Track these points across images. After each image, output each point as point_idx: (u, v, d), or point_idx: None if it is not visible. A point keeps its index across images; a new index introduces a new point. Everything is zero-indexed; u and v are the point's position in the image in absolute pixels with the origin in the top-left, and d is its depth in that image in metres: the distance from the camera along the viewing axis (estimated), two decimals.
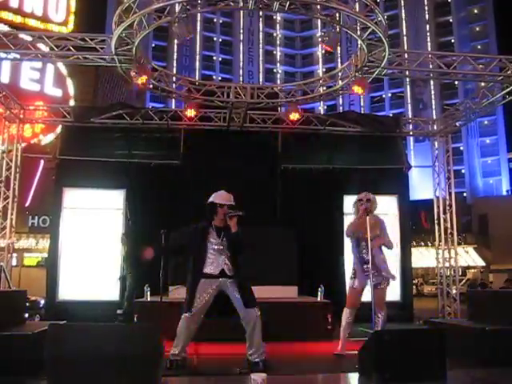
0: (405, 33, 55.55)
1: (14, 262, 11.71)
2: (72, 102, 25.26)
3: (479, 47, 52.60)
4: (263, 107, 10.49)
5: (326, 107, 56.02)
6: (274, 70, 62.62)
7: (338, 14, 7.51)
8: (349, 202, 6.78)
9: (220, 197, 5.67)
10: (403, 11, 56.54)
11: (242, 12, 55.86)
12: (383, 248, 6.37)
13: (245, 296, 5.47)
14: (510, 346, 5.39)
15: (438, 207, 11.40)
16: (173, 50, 56.55)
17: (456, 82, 47.04)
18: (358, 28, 7.72)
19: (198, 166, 10.63)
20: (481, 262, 37.81)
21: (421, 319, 10.24)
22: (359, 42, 7.93)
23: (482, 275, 36.74)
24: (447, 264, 11.19)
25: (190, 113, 9.93)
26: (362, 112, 48.78)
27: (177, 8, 7.23)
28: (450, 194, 11.36)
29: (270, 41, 62.86)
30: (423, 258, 32.99)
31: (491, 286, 28.95)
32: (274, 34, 63.59)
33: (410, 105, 54.16)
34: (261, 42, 61.91)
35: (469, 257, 37.71)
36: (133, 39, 7.71)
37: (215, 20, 60.62)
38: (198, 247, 5.62)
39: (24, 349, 4.92)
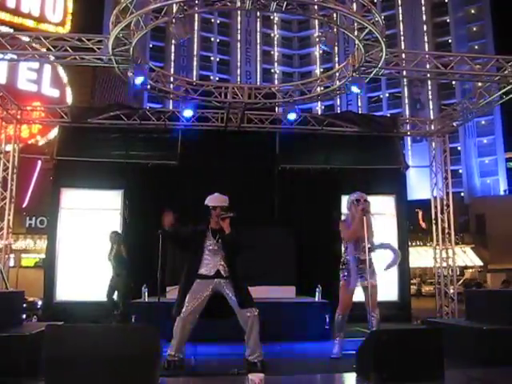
0: (402, 33, 55.56)
1: (11, 263, 11.71)
2: (69, 103, 25.22)
3: (476, 47, 52.69)
4: (261, 107, 10.49)
5: (323, 107, 56.05)
6: (272, 71, 62.62)
7: (335, 15, 7.51)
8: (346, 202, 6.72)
9: (213, 199, 5.74)
10: (400, 11, 56.59)
11: (239, 12, 55.91)
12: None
13: (241, 296, 5.48)
14: (507, 346, 5.40)
15: (436, 207, 11.41)
16: (170, 51, 56.51)
17: (453, 82, 47.14)
18: (355, 28, 7.73)
19: (195, 166, 10.62)
20: (478, 262, 37.87)
21: (419, 319, 10.27)
22: (356, 42, 7.93)
23: (480, 275, 36.80)
24: (445, 264, 11.20)
25: (188, 113, 9.92)
26: (360, 112, 48.80)
27: (174, 8, 7.23)
28: (447, 193, 11.37)
29: (267, 41, 62.85)
30: (421, 257, 32.98)
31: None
32: (272, 35, 63.58)
33: (407, 105, 54.21)
34: (258, 42, 61.90)
35: (466, 257, 37.77)
36: (130, 39, 7.70)
37: (213, 20, 60.58)
38: (195, 248, 5.65)
39: (21, 350, 4.91)
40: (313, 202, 10.72)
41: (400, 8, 56.66)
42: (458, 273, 24.99)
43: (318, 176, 11.00)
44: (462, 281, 27.86)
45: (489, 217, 39.88)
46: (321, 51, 57.48)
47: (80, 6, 29.38)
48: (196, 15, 52.07)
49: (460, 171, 49.88)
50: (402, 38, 55.17)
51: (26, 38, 8.58)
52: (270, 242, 8.86)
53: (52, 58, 9.12)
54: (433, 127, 11.63)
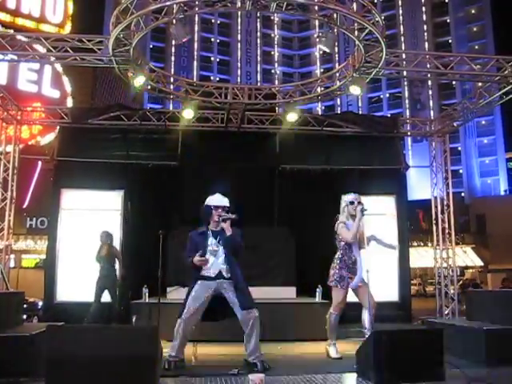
0: (402, 33, 55.63)
1: (11, 264, 11.70)
2: (70, 103, 25.24)
3: (477, 47, 52.73)
4: (261, 108, 10.49)
5: (323, 108, 56.08)
6: (272, 71, 62.68)
7: (335, 15, 7.51)
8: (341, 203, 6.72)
9: (214, 200, 5.74)
10: (401, 11, 56.65)
11: (239, 13, 55.96)
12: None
13: (242, 297, 5.49)
14: (508, 346, 5.41)
15: (436, 207, 11.40)
16: (170, 51, 56.57)
17: (453, 83, 47.17)
18: (356, 28, 7.73)
19: (195, 166, 10.62)
20: (479, 262, 37.88)
21: (419, 319, 10.26)
22: (356, 42, 7.93)
23: (480, 275, 36.78)
24: (445, 264, 11.19)
25: (188, 114, 9.91)
26: (360, 112, 48.84)
27: (174, 9, 7.23)
28: (447, 194, 11.36)
29: (267, 41, 62.91)
30: (421, 258, 33.02)
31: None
32: (272, 35, 63.64)
33: (407, 105, 54.26)
34: (258, 42, 61.97)
35: (467, 257, 37.78)
36: (130, 40, 7.70)
37: (213, 21, 60.66)
38: (196, 251, 5.64)
39: (22, 350, 4.91)
40: (313, 203, 10.71)
41: (400, 8, 56.72)
42: (459, 273, 24.97)
43: (319, 176, 10.99)
44: (461, 281, 27.80)
45: (489, 217, 39.89)
46: (321, 52, 57.48)
47: (80, 6, 29.41)
48: (196, 16, 52.15)
49: (460, 171, 49.93)
50: (403, 38, 55.24)
51: (26, 39, 8.57)
52: (271, 242, 8.88)
53: (52, 58, 9.12)
54: (433, 127, 11.62)
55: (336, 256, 6.45)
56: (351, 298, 6.43)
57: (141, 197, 10.55)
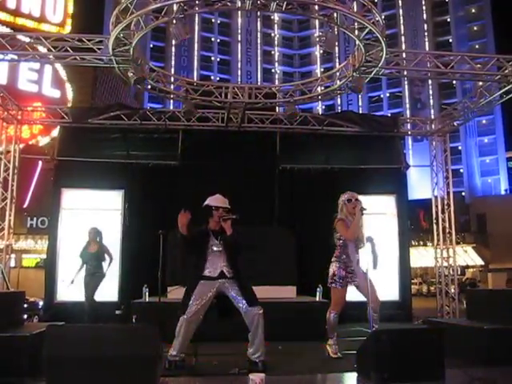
0: (402, 32, 55.63)
1: (12, 263, 11.70)
2: (70, 103, 25.24)
3: (477, 47, 52.74)
4: (261, 107, 10.49)
5: (324, 107, 56.09)
6: (272, 70, 62.69)
7: (335, 14, 7.50)
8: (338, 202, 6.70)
9: (215, 200, 5.72)
10: (401, 11, 56.65)
11: (239, 12, 55.92)
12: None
13: (247, 295, 5.49)
14: (508, 345, 5.40)
15: (437, 207, 11.41)
16: (171, 51, 56.59)
17: (454, 82, 47.14)
18: (356, 28, 7.72)
19: (196, 166, 10.62)
20: (479, 262, 37.90)
21: (419, 319, 10.26)
22: (357, 42, 7.93)
23: (481, 274, 36.81)
24: (446, 263, 11.20)
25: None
26: (360, 112, 48.83)
27: (174, 8, 7.22)
28: (448, 193, 11.37)
29: (267, 41, 62.92)
30: (422, 257, 33.04)
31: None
32: (272, 34, 63.64)
33: (408, 104, 54.28)
34: (259, 42, 61.98)
35: (467, 256, 37.79)
36: (130, 40, 7.70)
37: (213, 20, 60.66)
38: (199, 250, 5.64)
39: (22, 350, 4.91)
40: (313, 202, 10.70)
41: (400, 8, 56.71)
42: (459, 272, 24.99)
43: (319, 176, 10.99)
44: (462, 281, 27.84)
45: (490, 216, 39.91)
46: (321, 51, 57.49)
47: (80, 6, 29.42)
48: (196, 15, 52.17)
49: (461, 171, 49.93)
50: (403, 37, 55.23)
51: (26, 39, 8.59)
52: (271, 241, 8.86)
53: (52, 58, 9.11)
54: (433, 127, 11.62)
55: (334, 255, 6.42)
56: (351, 297, 6.42)
57: (141, 196, 10.55)
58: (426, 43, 54.14)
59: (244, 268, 5.74)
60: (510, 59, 8.63)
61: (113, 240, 10.41)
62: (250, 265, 5.77)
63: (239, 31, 61.34)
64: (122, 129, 10.76)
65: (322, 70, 55.91)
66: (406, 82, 53.77)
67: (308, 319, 7.89)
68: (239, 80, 57.26)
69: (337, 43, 50.41)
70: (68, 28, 28.01)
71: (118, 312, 9.57)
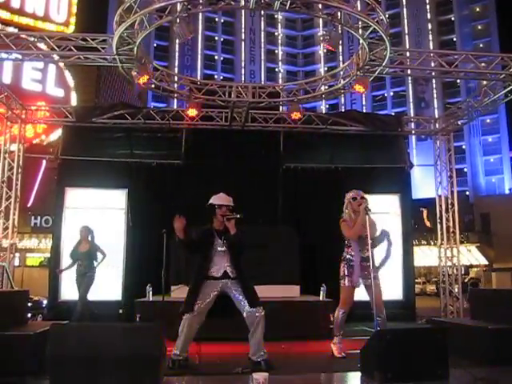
0: (406, 31, 55.50)
1: (16, 262, 11.75)
2: (74, 102, 25.27)
3: (481, 45, 52.57)
4: (265, 106, 10.49)
5: (327, 106, 56.02)
6: (276, 69, 62.63)
7: (339, 13, 7.49)
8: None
9: (218, 199, 5.71)
10: (405, 10, 56.50)
11: (243, 11, 55.87)
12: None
13: (249, 296, 5.49)
14: None
15: (441, 206, 11.39)
16: (174, 50, 56.60)
17: (458, 81, 47.00)
18: (360, 27, 7.71)
19: (199, 165, 10.62)
20: (483, 261, 37.79)
21: (423, 318, 10.24)
22: (361, 40, 7.92)
23: (485, 274, 36.71)
24: (449, 263, 11.18)
25: (192, 112, 9.91)
26: (364, 111, 48.74)
27: (178, 7, 7.23)
28: (452, 192, 11.34)
29: (271, 40, 62.86)
30: (426, 257, 32.97)
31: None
32: (276, 33, 63.58)
33: (411, 103, 54.17)
34: (262, 41, 61.91)
35: (471, 255, 37.69)
36: (134, 39, 7.71)
37: (217, 19, 60.63)
38: (205, 250, 5.63)
39: (26, 349, 4.92)
40: (317, 201, 10.71)
41: (404, 6, 56.55)
42: (463, 272, 24.96)
43: (323, 175, 10.99)
44: (464, 281, 27.79)
45: (494, 215, 39.81)
46: (325, 50, 57.41)
47: (84, 5, 29.43)
48: (200, 14, 52.20)
49: (465, 170, 49.77)
50: (407, 36, 55.10)
51: (30, 38, 8.60)
52: (274, 241, 8.85)
53: (56, 57, 9.13)
54: (437, 126, 11.60)
55: (343, 253, 6.42)
56: (355, 296, 6.40)
57: (144, 195, 10.56)
58: (430, 42, 53.97)
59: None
60: None
61: (116, 239, 10.45)
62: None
63: (243, 30, 61.27)
64: (126, 128, 10.78)
65: (326, 68, 55.81)
66: (409, 81, 53.65)
67: (311, 318, 7.89)
68: (243, 79, 57.21)
69: (341, 42, 50.40)
70: (72, 27, 28.00)
71: (121, 311, 9.58)
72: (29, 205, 23.93)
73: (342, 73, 9.90)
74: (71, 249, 9.18)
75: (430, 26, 55.31)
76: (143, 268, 9.99)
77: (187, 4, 7.13)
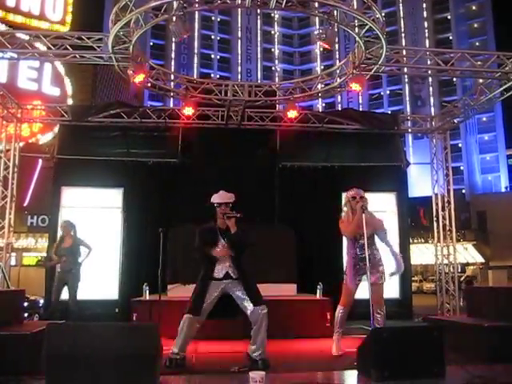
0: (403, 30, 55.56)
1: (12, 262, 11.71)
2: (70, 101, 25.22)
3: (477, 44, 52.71)
4: (261, 105, 10.48)
5: (324, 105, 56.04)
6: (272, 68, 62.63)
7: (335, 12, 7.49)
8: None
9: (218, 197, 5.71)
10: (401, 8, 56.55)
11: (239, 10, 55.82)
12: (380, 249, 6.31)
13: (252, 295, 5.50)
14: (508, 343, 5.40)
15: (437, 204, 11.41)
16: (171, 49, 56.55)
17: (454, 79, 47.07)
18: (356, 25, 7.71)
19: (196, 164, 10.61)
20: (480, 259, 37.91)
21: (420, 316, 10.26)
22: (357, 39, 7.92)
23: (481, 272, 36.83)
24: (446, 261, 11.20)
25: (188, 111, 9.89)
26: (361, 109, 48.77)
27: (174, 6, 7.21)
28: (448, 190, 11.36)
29: (267, 39, 62.87)
30: (422, 255, 33.04)
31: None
32: (272, 32, 63.58)
33: (408, 102, 54.26)
34: (259, 39, 61.93)
35: (468, 254, 37.81)
36: (130, 37, 7.69)
37: (213, 18, 60.60)
38: (209, 250, 5.62)
39: (22, 348, 4.91)
40: (313, 200, 10.72)
41: (401, 5, 56.62)
42: (460, 270, 24.98)
43: (319, 174, 11.00)
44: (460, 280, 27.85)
45: (490, 214, 39.95)
46: (321, 49, 57.44)
47: (80, 4, 29.33)
48: (196, 13, 52.11)
49: (461, 168, 49.90)
50: (403, 34, 55.17)
51: (25, 37, 8.56)
52: (271, 239, 8.85)
53: (52, 56, 9.09)
54: (434, 124, 11.61)
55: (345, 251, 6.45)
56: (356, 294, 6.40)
57: (141, 194, 10.55)
58: (427, 40, 54.05)
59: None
60: (510, 56, 8.62)
61: (113, 238, 10.43)
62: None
63: (239, 29, 61.27)
64: (122, 127, 10.75)
65: (322, 67, 55.85)
66: (406, 80, 53.76)
67: (308, 317, 7.90)
68: (239, 78, 57.18)
69: (337, 40, 50.48)
70: (67, 26, 27.93)
71: (117, 310, 9.56)
72: (25, 204, 23.86)
73: (338, 71, 9.90)
74: (54, 246, 8.98)
75: (426, 25, 55.39)
76: (140, 267, 9.98)
77: (183, 2, 7.11)
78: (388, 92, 56.78)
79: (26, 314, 8.02)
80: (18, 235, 22.41)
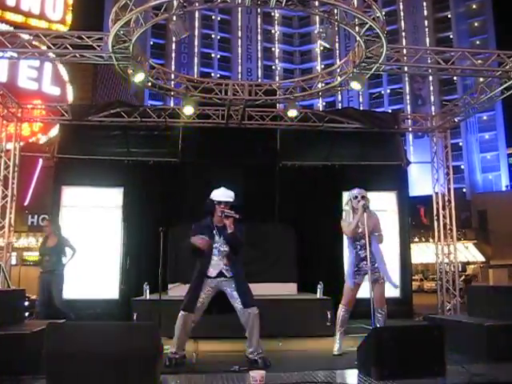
0: (403, 28, 55.52)
1: (13, 261, 11.71)
2: (70, 101, 25.19)
3: (478, 42, 52.65)
4: (261, 104, 10.47)
5: (324, 104, 56.04)
6: (273, 67, 62.62)
7: (335, 10, 7.48)
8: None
9: (218, 194, 5.68)
10: (401, 7, 56.51)
11: (240, 9, 55.77)
12: (382, 249, 6.30)
13: (243, 296, 5.49)
14: (509, 342, 5.39)
15: (438, 203, 11.40)
16: (171, 48, 56.54)
17: (455, 78, 47.07)
18: (356, 24, 7.69)
19: (196, 163, 10.62)
20: (481, 258, 37.89)
21: (420, 315, 10.26)
22: (357, 38, 7.90)
23: (482, 271, 36.79)
24: (447, 260, 11.20)
25: (188, 110, 9.88)
26: (361, 108, 48.75)
27: (174, 5, 7.20)
28: (449, 189, 11.35)
29: (268, 38, 62.86)
30: (423, 254, 33.03)
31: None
32: (273, 31, 63.56)
33: (408, 101, 54.21)
34: (259, 38, 61.91)
35: (468, 252, 37.78)
36: (130, 37, 7.68)
37: (213, 17, 60.60)
38: (195, 239, 5.60)
39: (23, 348, 4.91)
40: (314, 199, 10.72)
41: (401, 4, 56.58)
42: (460, 269, 24.94)
43: (319, 173, 11.00)
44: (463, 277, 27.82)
45: (491, 212, 39.91)
46: (321, 48, 57.41)
47: (80, 3, 29.31)
48: (196, 12, 52.08)
49: (462, 167, 49.88)
50: (403, 33, 55.14)
51: (26, 36, 8.55)
52: (272, 238, 8.86)
53: (52, 55, 9.10)
54: (434, 123, 11.60)
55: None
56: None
57: (141, 194, 10.55)
58: (427, 39, 54.01)
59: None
60: (510, 55, 8.60)
61: (113, 237, 10.44)
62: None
63: (239, 28, 61.25)
64: (122, 126, 10.76)
65: (323, 66, 55.80)
66: (406, 79, 53.72)
67: (308, 316, 7.89)
68: (239, 77, 57.17)
69: (337, 39, 50.44)
70: (68, 25, 27.90)
71: (118, 310, 9.56)
72: (25, 203, 23.83)
73: (338, 70, 9.88)
74: (39, 245, 8.87)
75: (426, 23, 55.35)
76: (140, 266, 9.99)
77: (183, 1, 7.10)
78: (388, 91, 56.75)
79: (26, 314, 7.97)
80: (18, 235, 22.37)
